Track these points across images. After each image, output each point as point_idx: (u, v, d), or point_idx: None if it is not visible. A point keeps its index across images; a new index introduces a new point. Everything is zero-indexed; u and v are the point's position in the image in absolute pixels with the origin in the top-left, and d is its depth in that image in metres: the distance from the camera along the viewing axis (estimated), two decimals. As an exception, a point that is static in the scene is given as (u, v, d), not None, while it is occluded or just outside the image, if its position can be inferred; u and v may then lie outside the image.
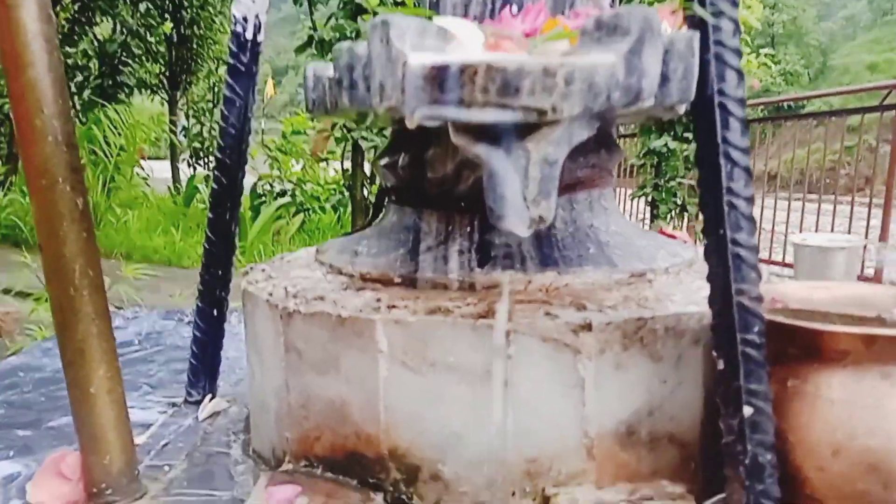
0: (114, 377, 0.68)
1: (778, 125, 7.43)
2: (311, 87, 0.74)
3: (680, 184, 5.97)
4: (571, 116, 0.45)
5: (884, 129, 5.39)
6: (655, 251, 0.78)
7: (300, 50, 5.41)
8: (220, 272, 0.92)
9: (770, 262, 5.67)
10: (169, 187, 8.05)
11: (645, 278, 0.73)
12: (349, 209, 5.56)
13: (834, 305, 0.69)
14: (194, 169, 10.06)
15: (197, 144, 10.17)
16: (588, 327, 0.62)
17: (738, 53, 0.56)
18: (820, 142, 6.87)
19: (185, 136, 10.07)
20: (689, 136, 5.63)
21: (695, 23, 0.56)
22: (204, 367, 0.94)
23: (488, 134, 0.46)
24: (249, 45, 0.88)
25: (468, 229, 0.74)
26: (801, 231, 5.16)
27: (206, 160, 10.23)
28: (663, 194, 5.95)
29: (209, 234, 0.92)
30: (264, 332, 0.73)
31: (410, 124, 0.48)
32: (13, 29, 0.62)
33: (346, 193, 5.64)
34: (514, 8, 0.77)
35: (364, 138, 5.25)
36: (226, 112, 0.89)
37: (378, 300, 0.68)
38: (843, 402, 0.55)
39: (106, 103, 6.00)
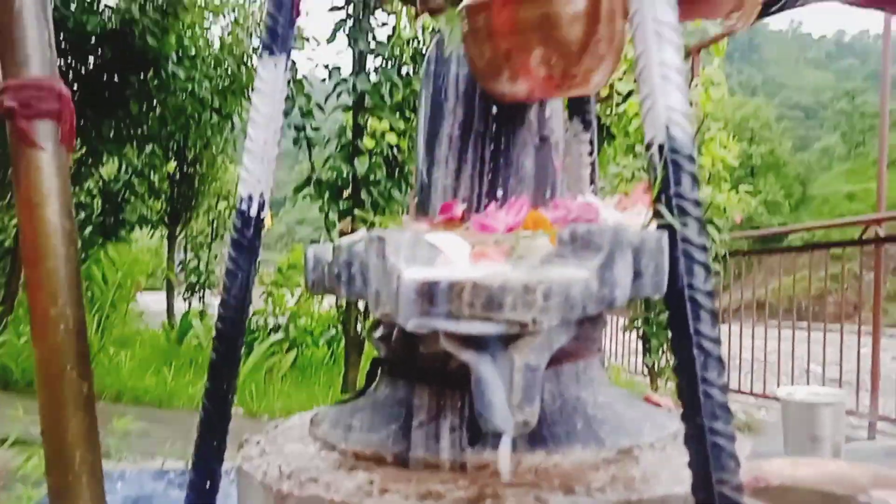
0: (105, 565, 0.68)
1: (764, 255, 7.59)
2: (311, 268, 0.78)
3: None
4: (551, 327, 0.49)
5: (867, 258, 5.50)
6: (642, 423, 0.80)
7: (298, 189, 5.60)
8: (214, 443, 0.93)
9: (763, 395, 5.66)
10: (163, 323, 8.05)
11: (632, 455, 0.75)
12: (342, 345, 5.56)
13: (817, 483, 0.70)
14: (189, 304, 10.09)
15: (193, 279, 10.27)
16: (577, 512, 0.63)
17: (705, 249, 0.61)
18: (806, 269, 7.02)
19: (182, 269, 10.19)
20: (678, 268, 5.71)
21: (665, 222, 0.61)
22: (194, 541, 0.93)
23: (475, 342, 0.50)
24: (254, 221, 0.93)
25: (459, 405, 0.76)
26: (793, 364, 5.16)
27: (202, 294, 10.29)
28: (654, 328, 5.98)
29: (205, 403, 0.93)
30: (257, 512, 0.74)
31: (405, 329, 0.51)
32: (37, 224, 0.67)
33: (340, 328, 5.67)
34: (500, 192, 0.84)
35: (359, 274, 5.30)
36: (228, 284, 0.93)
37: (371, 482, 0.69)
38: None
39: (106, 240, 6.13)
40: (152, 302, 9.01)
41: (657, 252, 0.59)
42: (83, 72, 6.50)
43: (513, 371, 0.50)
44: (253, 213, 0.93)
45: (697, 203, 0.61)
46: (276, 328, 6.18)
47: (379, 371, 0.89)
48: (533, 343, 0.50)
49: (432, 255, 0.53)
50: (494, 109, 0.82)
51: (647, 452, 0.76)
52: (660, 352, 6.07)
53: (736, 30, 0.80)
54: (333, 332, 6.11)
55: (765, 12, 0.78)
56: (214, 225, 10.23)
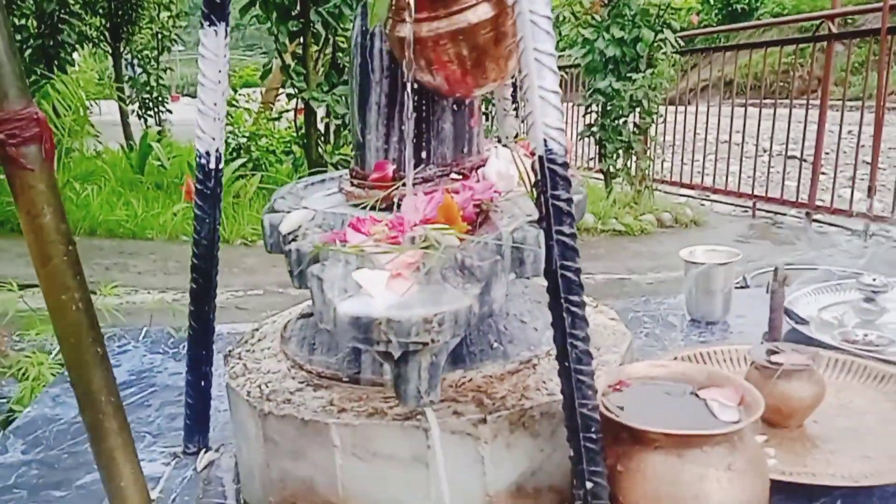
0: (136, 472, 0.90)
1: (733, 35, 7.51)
2: (268, 234, 0.95)
3: (625, 122, 6.20)
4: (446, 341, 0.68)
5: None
6: (542, 334, 1.02)
7: (245, 10, 5.42)
8: (203, 352, 1.14)
9: (718, 190, 6.05)
10: (122, 146, 8.01)
11: (531, 364, 0.98)
12: (305, 167, 5.68)
13: (666, 379, 0.94)
14: (145, 121, 9.94)
15: (145, 94, 10.03)
16: (484, 421, 0.87)
17: (573, 236, 0.79)
18: (774, 45, 7.02)
19: (131, 86, 9.90)
20: (634, 76, 5.82)
21: (541, 221, 0.78)
22: (197, 426, 1.17)
23: (394, 354, 0.69)
24: (213, 172, 1.07)
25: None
26: (757, 143, 5.46)
27: (156, 111, 10.09)
28: (610, 133, 6.19)
29: (192, 322, 1.13)
30: (247, 423, 0.96)
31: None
32: (38, 232, 0.81)
33: (303, 152, 5.75)
34: (424, 153, 0.98)
35: (315, 99, 5.35)
36: (198, 227, 1.09)
37: (331, 402, 0.91)
38: (654, 476, 0.81)
39: (50, 73, 5.93)
40: (105, 112, 8.74)
41: (535, 244, 0.77)
42: None
43: (420, 370, 0.69)
44: (212, 166, 1.07)
45: (569, 201, 0.78)
46: (238, 148, 6.22)
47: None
48: (434, 349, 0.69)
49: (359, 288, 0.70)
50: (416, 84, 0.94)
51: (544, 361, 0.99)
52: (615, 156, 6.32)
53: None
54: (294, 156, 6.19)
55: None
56: (159, 37, 9.80)
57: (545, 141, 0.76)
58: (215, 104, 1.04)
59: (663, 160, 6.74)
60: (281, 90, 6.35)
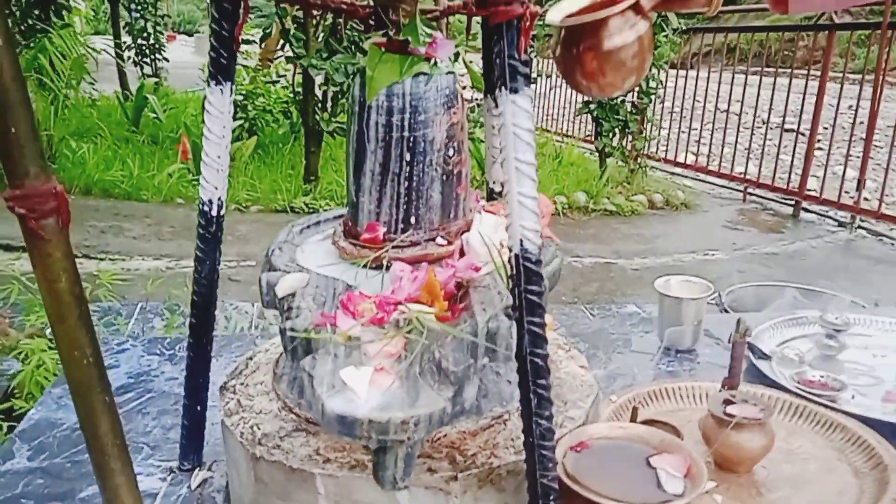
0: (138, 504, 0.99)
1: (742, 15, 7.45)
2: (265, 292, 1.02)
3: (622, 101, 6.22)
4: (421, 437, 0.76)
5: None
6: (514, 388, 1.10)
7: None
8: (200, 380, 1.22)
9: (711, 172, 6.07)
10: (117, 94, 7.95)
11: (502, 420, 1.06)
12: (303, 133, 5.69)
13: (625, 440, 1.03)
14: (141, 68, 9.86)
15: (142, 41, 9.94)
16: (455, 478, 0.95)
17: (542, 326, 0.86)
18: (775, 31, 6.93)
19: (129, 32, 9.81)
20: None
21: (514, 310, 0.86)
22: (191, 445, 1.26)
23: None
24: (214, 219, 1.14)
25: (381, 382, 1.04)
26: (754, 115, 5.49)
27: (152, 58, 10.00)
28: (607, 111, 6.22)
29: (190, 353, 1.21)
30: (239, 461, 1.05)
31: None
32: (55, 295, 0.88)
33: (298, 115, 5.75)
34: (413, 219, 1.04)
35: (313, 66, 5.35)
36: (198, 267, 1.16)
37: (318, 451, 0.99)
38: (603, 539, 0.90)
39: (46, 21, 5.86)
40: (101, 53, 8.60)
41: (508, 337, 0.85)
42: None
43: (396, 460, 0.78)
44: (213, 213, 1.13)
45: (541, 294, 0.85)
46: (234, 106, 6.20)
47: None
48: (409, 444, 0.77)
49: (345, 387, 0.78)
50: (408, 156, 1.01)
51: (514, 417, 1.07)
52: (610, 135, 6.36)
53: (709, 14, 0.96)
54: (291, 120, 6.19)
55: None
56: (158, -17, 9.65)
57: (521, 241, 0.84)
58: (219, 157, 1.10)
59: (658, 140, 6.77)
60: (280, 53, 6.32)
